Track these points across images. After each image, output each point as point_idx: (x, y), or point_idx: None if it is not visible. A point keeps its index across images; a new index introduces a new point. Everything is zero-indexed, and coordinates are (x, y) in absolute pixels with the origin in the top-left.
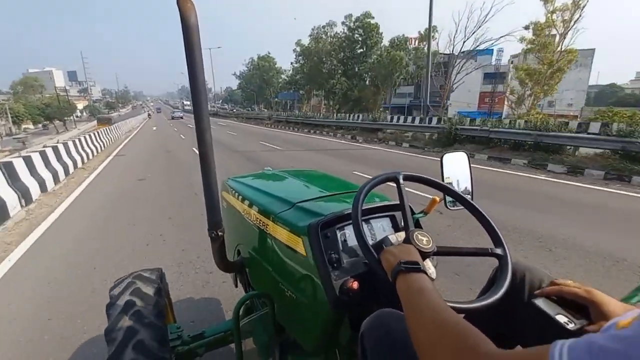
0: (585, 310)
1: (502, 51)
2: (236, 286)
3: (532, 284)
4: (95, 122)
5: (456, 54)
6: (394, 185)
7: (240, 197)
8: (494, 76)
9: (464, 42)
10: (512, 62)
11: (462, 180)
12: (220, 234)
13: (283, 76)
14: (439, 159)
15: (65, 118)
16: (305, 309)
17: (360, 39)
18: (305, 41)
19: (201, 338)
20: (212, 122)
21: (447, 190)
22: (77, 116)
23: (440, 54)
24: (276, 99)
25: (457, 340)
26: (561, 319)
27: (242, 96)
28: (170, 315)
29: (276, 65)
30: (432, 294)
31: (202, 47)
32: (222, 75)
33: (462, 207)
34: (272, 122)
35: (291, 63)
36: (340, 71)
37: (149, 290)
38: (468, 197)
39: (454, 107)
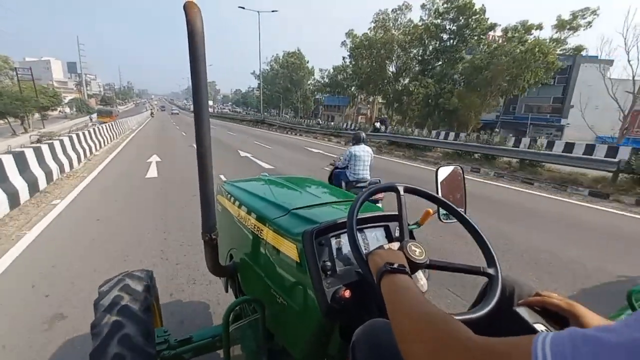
0: (566, 322)
1: None
2: (227, 291)
3: (520, 297)
4: (71, 122)
5: None
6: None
7: (235, 201)
8: None
9: None
10: None
11: (457, 193)
12: (214, 237)
13: (317, 77)
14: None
15: (23, 114)
16: (296, 316)
17: (452, 27)
18: (359, 31)
19: (188, 343)
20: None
21: (448, 207)
22: (60, 112)
23: (581, 50)
24: (302, 105)
25: (438, 329)
26: (539, 327)
27: (263, 99)
28: (158, 319)
29: (307, 64)
30: (415, 291)
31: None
32: (230, 76)
33: (455, 220)
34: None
35: (343, 58)
36: (416, 69)
37: (138, 287)
38: (461, 210)
39: (572, 129)
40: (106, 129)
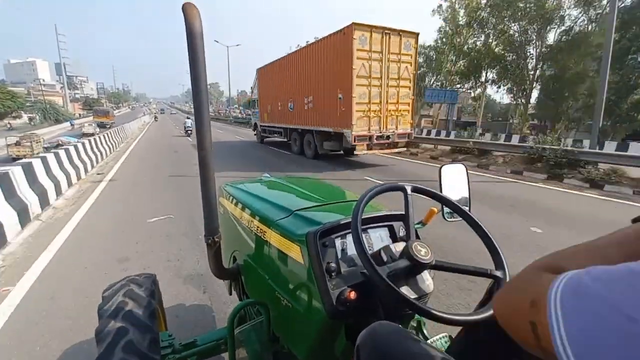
0: None
1: None
2: (230, 294)
3: None
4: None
5: None
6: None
7: (238, 203)
8: None
9: None
10: None
11: (461, 192)
12: (216, 240)
13: None
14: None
15: None
16: (301, 318)
17: None
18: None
19: (193, 346)
20: None
21: (454, 206)
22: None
23: None
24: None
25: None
26: None
27: None
28: (162, 323)
29: None
30: None
31: None
32: (233, 76)
33: (459, 218)
34: None
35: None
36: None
37: (142, 292)
38: (466, 208)
39: None
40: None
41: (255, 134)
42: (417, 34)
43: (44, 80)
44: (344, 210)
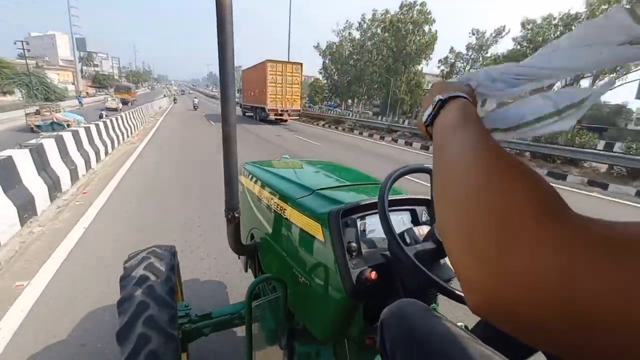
0: None
1: None
2: (246, 271)
3: None
4: None
5: None
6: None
7: (258, 181)
8: None
9: None
10: None
11: None
12: (236, 215)
13: (455, 47)
14: None
15: None
16: (318, 296)
17: None
18: None
19: (208, 318)
20: None
21: None
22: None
23: None
24: (409, 95)
25: (524, 199)
26: None
27: (327, 85)
28: (179, 293)
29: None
30: (478, 127)
31: None
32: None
33: None
34: None
35: None
36: None
37: (162, 266)
38: None
39: None
40: None
41: (241, 110)
42: (301, 64)
43: (27, 44)
44: (366, 192)
